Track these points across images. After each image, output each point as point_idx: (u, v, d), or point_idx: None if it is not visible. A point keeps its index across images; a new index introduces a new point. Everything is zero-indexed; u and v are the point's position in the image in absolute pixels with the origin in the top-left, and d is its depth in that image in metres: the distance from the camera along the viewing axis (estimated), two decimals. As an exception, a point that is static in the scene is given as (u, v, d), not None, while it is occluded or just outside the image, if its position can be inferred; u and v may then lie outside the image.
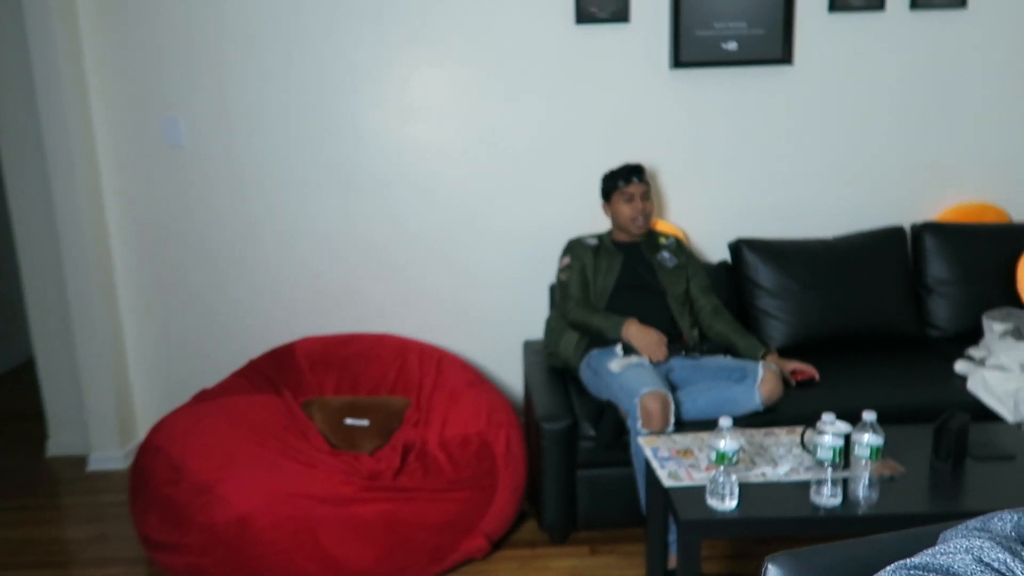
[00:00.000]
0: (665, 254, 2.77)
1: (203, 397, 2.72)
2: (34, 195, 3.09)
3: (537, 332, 3.09)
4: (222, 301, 3.16)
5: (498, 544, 2.52)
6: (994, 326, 2.68)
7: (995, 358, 2.56)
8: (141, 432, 3.24)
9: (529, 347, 3.04)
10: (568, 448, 2.45)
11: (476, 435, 2.52)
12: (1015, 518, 0.81)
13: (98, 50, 2.97)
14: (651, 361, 2.53)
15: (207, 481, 2.28)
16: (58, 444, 3.30)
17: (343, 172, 3.07)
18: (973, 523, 0.82)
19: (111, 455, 3.15)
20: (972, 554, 0.74)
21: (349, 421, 2.62)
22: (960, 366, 2.65)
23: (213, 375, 3.00)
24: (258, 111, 3.02)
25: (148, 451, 2.47)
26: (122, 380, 3.18)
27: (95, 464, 3.15)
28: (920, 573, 0.75)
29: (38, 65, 2.84)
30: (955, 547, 0.77)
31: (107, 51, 2.97)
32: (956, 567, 0.74)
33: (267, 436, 2.46)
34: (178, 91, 3.00)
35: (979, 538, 0.76)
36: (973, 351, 2.70)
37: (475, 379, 2.80)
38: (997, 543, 0.74)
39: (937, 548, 0.77)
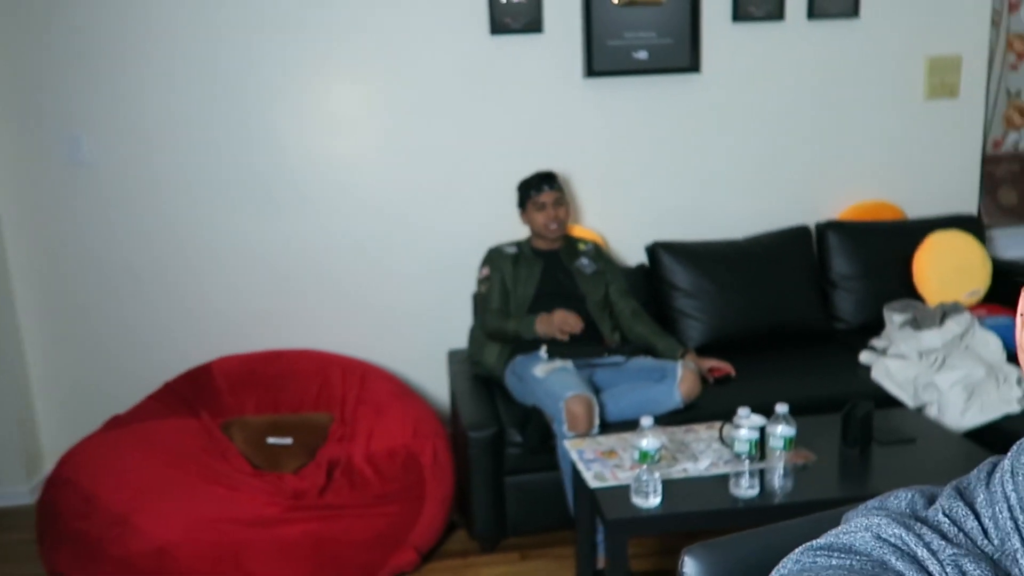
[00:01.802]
0: (584, 260, 2.82)
1: (115, 424, 2.61)
2: (-79, 218, 2.90)
3: (461, 341, 3.09)
4: (133, 322, 3.04)
5: (428, 556, 2.51)
6: (894, 317, 2.84)
7: (896, 347, 2.71)
8: (48, 464, 3.07)
9: (454, 356, 3.04)
10: (495, 455, 2.46)
11: (402, 447, 2.50)
12: (909, 496, 0.85)
13: (-12, 63, 2.82)
14: (572, 334, 2.57)
15: (121, 512, 2.19)
16: (-44, 482, 3.11)
17: (257, 187, 3.00)
18: (872, 503, 0.87)
19: (16, 490, 2.97)
20: (871, 531, 0.78)
21: (271, 440, 2.56)
22: (864, 356, 2.79)
23: (126, 400, 2.87)
24: (168, 126, 2.92)
25: (56, 483, 2.35)
26: (26, 409, 3.02)
27: (1, 500, 2.97)
28: (825, 553, 0.79)
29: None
30: (855, 526, 0.81)
31: (7, 62, 2.82)
32: (857, 544, 0.78)
33: (185, 461, 2.37)
34: (81, 106, 2.88)
35: (877, 516, 0.80)
36: (876, 342, 2.84)
37: (400, 391, 2.78)
38: (893, 519, 0.78)
39: (840, 528, 0.81)
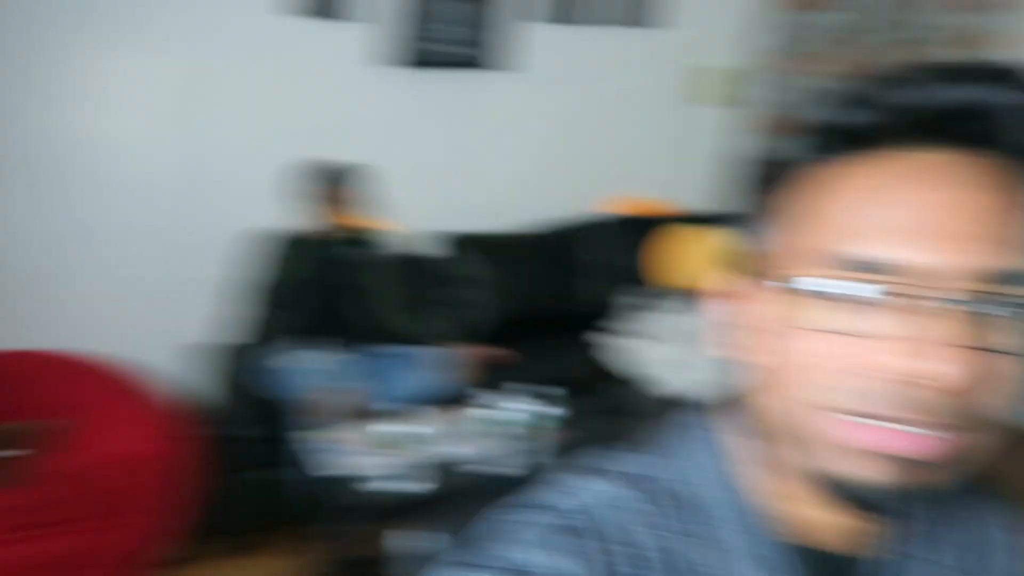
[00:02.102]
0: (362, 250, 2.72)
1: None
2: None
3: (207, 336, 2.83)
4: None
5: (165, 564, 2.29)
6: (629, 301, 3.04)
7: (633, 329, 2.92)
8: None
9: (196, 352, 2.78)
10: (236, 452, 2.33)
11: (135, 454, 2.24)
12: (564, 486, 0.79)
13: None
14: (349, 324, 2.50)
15: None
16: None
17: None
18: (585, 461, 0.81)
19: None
20: (589, 494, 0.71)
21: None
22: (604, 338, 2.96)
23: None
24: None
25: None
26: None
27: None
28: (529, 509, 0.72)
29: None
30: (573, 484, 0.73)
31: None
32: (569, 505, 0.71)
33: None
34: None
35: (596, 478, 0.74)
36: (617, 324, 3.01)
37: (135, 391, 2.49)
38: (614, 479, 0.73)
39: (554, 486, 0.74)
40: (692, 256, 3.25)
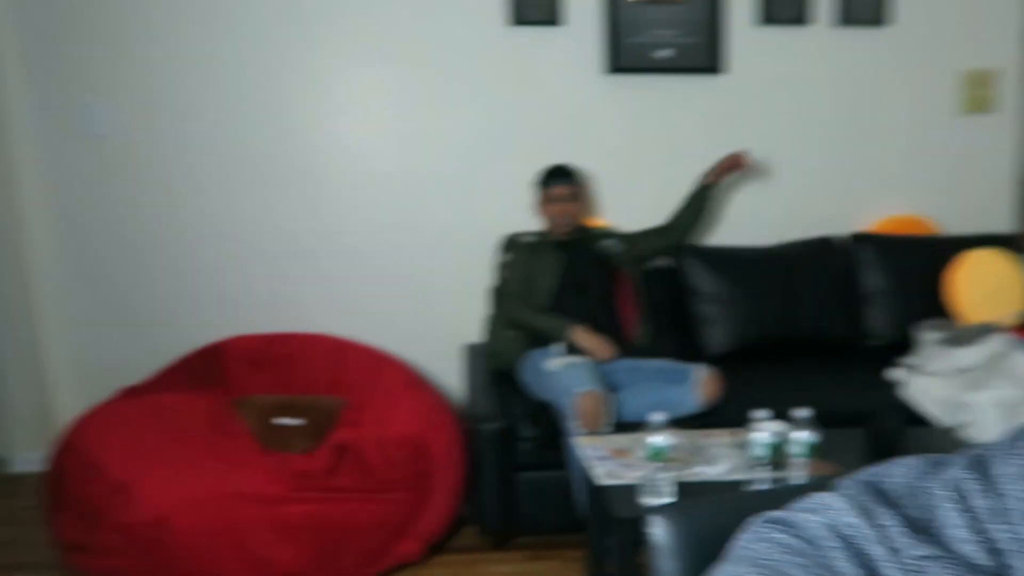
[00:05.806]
0: (608, 241, 2.79)
1: (126, 394, 2.60)
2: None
3: (477, 335, 3.05)
4: (148, 297, 3.04)
5: (437, 549, 2.46)
6: (930, 335, 2.73)
7: (930, 365, 2.60)
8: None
9: (469, 350, 3.00)
10: (506, 449, 2.40)
11: (413, 436, 2.46)
12: (913, 463, 0.78)
13: (16, 28, 2.83)
14: (599, 360, 2.51)
15: (124, 480, 2.17)
16: (-27, 447, 3.13)
17: (274, 168, 2.99)
18: (872, 469, 0.80)
19: (33, 456, 2.97)
20: (826, 517, 0.73)
21: (280, 420, 2.53)
22: (894, 373, 2.69)
23: (139, 373, 2.86)
24: (184, 102, 2.93)
25: (64, 450, 2.35)
26: (43, 378, 3.03)
27: (19, 466, 3.01)
28: (773, 526, 0.74)
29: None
30: (815, 502, 0.75)
31: (27, 29, 2.84)
32: (806, 528, 0.73)
33: (191, 435, 2.35)
34: (102, 76, 2.88)
35: (844, 496, 0.75)
36: (908, 360, 2.73)
37: (413, 381, 2.74)
38: (857, 504, 0.73)
39: (803, 501, 0.76)
40: (982, 284, 2.92)
